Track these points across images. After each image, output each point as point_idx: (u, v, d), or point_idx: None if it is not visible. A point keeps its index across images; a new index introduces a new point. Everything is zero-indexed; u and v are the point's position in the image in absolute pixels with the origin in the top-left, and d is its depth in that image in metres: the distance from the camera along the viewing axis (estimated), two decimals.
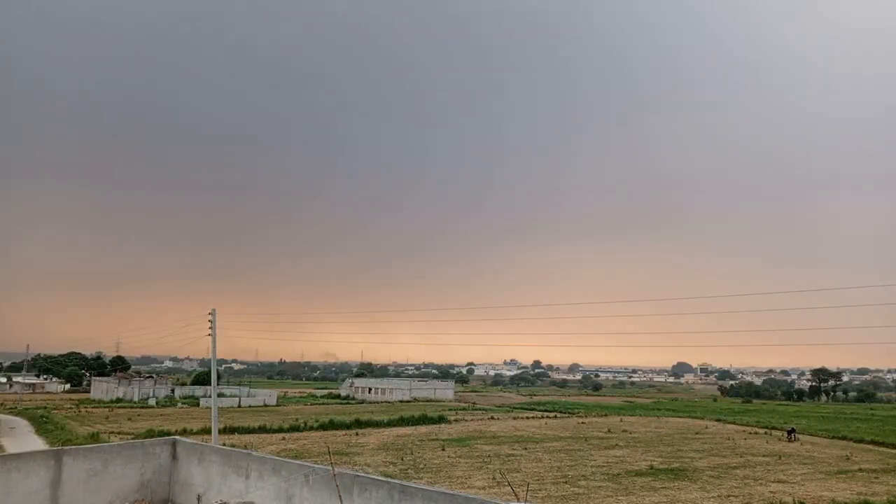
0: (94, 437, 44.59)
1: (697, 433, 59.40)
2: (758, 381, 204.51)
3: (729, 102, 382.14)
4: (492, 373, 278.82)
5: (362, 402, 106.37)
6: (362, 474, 10.61)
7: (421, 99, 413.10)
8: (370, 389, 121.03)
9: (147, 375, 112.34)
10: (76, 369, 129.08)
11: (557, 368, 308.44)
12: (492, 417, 74.21)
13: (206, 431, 46.68)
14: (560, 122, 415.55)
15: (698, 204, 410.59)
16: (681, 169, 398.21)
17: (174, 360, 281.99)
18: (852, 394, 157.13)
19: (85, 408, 76.97)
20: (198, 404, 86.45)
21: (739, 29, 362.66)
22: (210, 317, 38.37)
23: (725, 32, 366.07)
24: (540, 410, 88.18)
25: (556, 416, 78.31)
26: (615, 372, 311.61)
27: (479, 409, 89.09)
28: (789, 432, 57.00)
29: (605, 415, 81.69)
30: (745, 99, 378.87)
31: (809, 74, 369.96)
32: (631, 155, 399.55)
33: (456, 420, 68.89)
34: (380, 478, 10.50)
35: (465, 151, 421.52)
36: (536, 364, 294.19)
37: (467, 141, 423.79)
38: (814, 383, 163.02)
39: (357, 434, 53.58)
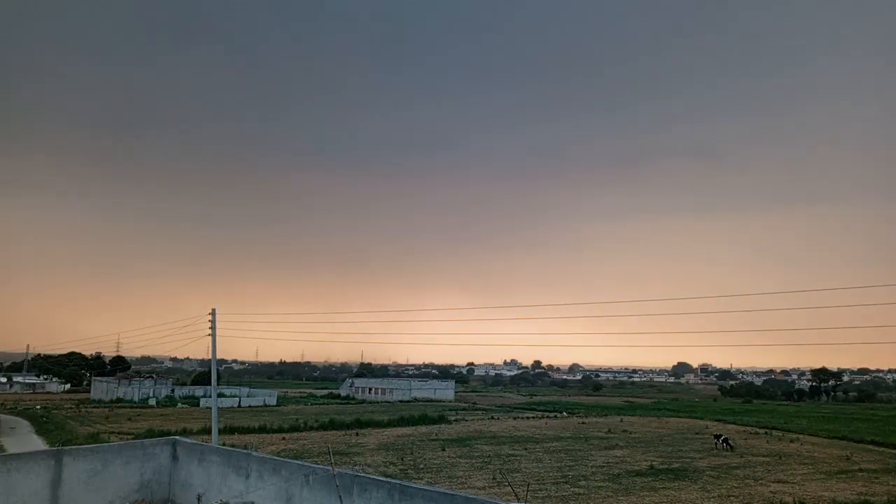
0: (95, 437, 44.65)
1: (698, 433, 59.38)
2: (758, 382, 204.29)
3: (729, 103, 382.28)
4: (492, 373, 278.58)
5: (362, 402, 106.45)
6: (362, 474, 10.61)
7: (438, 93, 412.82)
8: (370, 389, 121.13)
9: (147, 375, 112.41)
10: (76, 369, 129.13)
11: (557, 369, 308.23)
12: (492, 417, 74.23)
13: (207, 431, 46.70)
14: (557, 126, 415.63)
15: (699, 205, 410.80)
16: (680, 168, 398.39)
17: (174, 360, 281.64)
18: (852, 394, 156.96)
19: (85, 408, 77.04)
20: (198, 404, 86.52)
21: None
22: (210, 317, 38.39)
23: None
24: (540, 410, 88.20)
25: (556, 417, 78.32)
26: (615, 372, 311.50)
27: (480, 410, 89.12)
28: (717, 437, 48.52)
29: (606, 415, 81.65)
30: (745, 99, 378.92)
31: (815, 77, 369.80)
32: (631, 155, 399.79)
33: (456, 420, 68.89)
34: (380, 478, 10.50)
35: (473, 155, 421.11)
36: (536, 364, 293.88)
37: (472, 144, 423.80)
38: (814, 383, 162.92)
39: (357, 434, 53.61)
